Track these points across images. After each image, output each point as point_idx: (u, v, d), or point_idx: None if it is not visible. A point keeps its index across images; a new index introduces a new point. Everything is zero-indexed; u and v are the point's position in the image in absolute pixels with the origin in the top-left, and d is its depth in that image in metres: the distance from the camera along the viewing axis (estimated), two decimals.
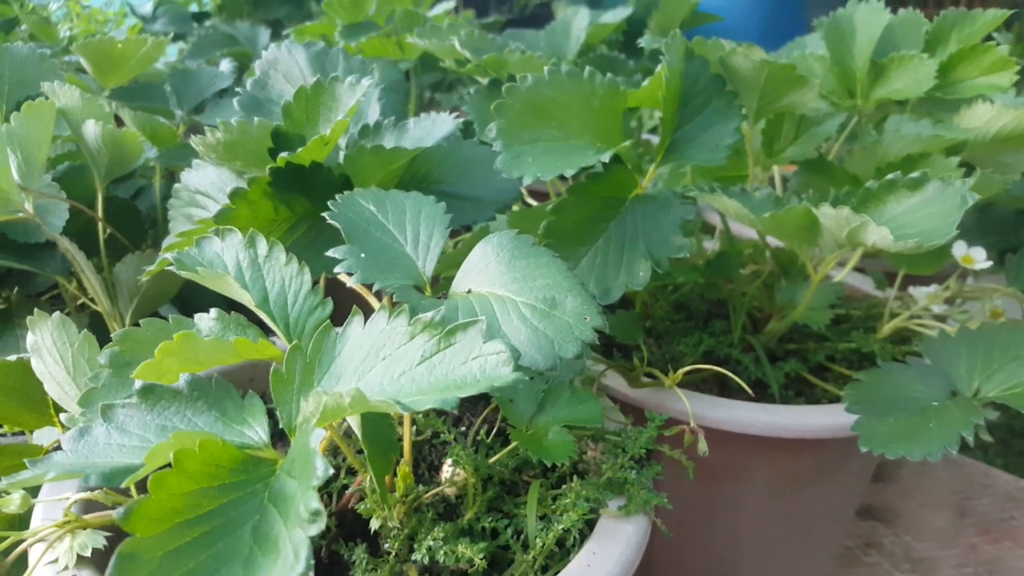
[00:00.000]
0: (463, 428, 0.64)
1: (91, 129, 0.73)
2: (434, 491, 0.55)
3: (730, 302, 0.78)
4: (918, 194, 0.51)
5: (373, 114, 0.62)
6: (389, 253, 0.46)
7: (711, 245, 0.90)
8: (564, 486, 0.53)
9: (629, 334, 0.66)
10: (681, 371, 0.62)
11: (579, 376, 0.60)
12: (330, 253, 0.44)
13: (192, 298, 0.82)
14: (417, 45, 0.83)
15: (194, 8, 2.26)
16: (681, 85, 0.62)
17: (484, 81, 0.74)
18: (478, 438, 0.60)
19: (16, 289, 0.83)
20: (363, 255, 0.44)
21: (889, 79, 0.76)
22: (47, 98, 0.73)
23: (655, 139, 1.26)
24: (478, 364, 0.34)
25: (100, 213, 0.79)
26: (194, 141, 0.57)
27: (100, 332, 0.80)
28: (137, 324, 0.79)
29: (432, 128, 0.59)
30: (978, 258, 0.72)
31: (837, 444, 0.66)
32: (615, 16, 1.23)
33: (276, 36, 2.14)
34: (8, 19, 1.83)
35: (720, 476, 0.71)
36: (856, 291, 0.88)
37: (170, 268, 0.45)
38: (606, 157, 0.55)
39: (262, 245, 0.48)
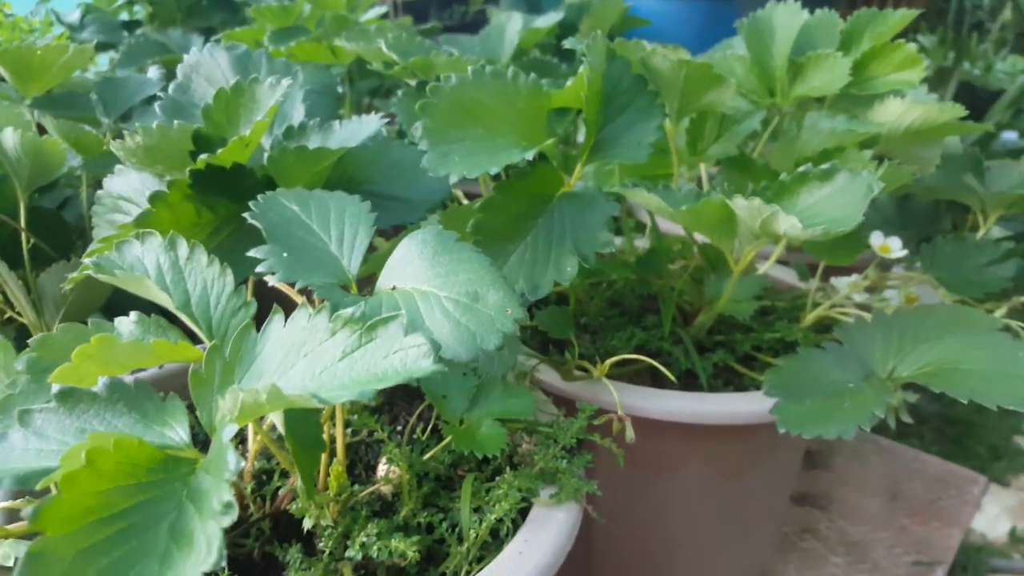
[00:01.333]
0: (399, 427, 0.64)
1: (9, 137, 0.71)
2: (369, 490, 0.55)
3: (660, 297, 0.80)
4: (828, 184, 0.54)
5: (298, 115, 0.62)
6: (313, 252, 0.46)
7: (642, 243, 0.92)
8: (498, 478, 0.54)
9: (561, 329, 0.67)
10: (609, 362, 0.63)
11: (512, 371, 0.61)
12: (251, 253, 0.44)
13: (120, 308, 0.80)
14: (346, 48, 0.83)
15: (124, 17, 2.21)
16: (603, 85, 0.64)
17: (413, 83, 0.74)
18: (414, 436, 0.61)
19: None
20: (285, 254, 0.44)
21: (807, 77, 0.79)
22: None
23: None
24: (399, 357, 0.35)
25: (23, 223, 0.77)
26: (114, 146, 0.56)
27: (26, 345, 0.79)
28: None
29: (358, 129, 0.59)
30: (894, 247, 0.75)
31: (765, 430, 0.68)
32: (547, 21, 1.25)
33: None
34: None
35: (653, 466, 0.72)
36: (781, 283, 0.91)
37: (91, 274, 0.44)
38: (531, 155, 0.56)
39: (183, 247, 0.47)
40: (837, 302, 0.78)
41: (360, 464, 0.61)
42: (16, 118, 0.74)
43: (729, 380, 0.78)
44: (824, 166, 0.54)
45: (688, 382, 0.77)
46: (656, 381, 0.79)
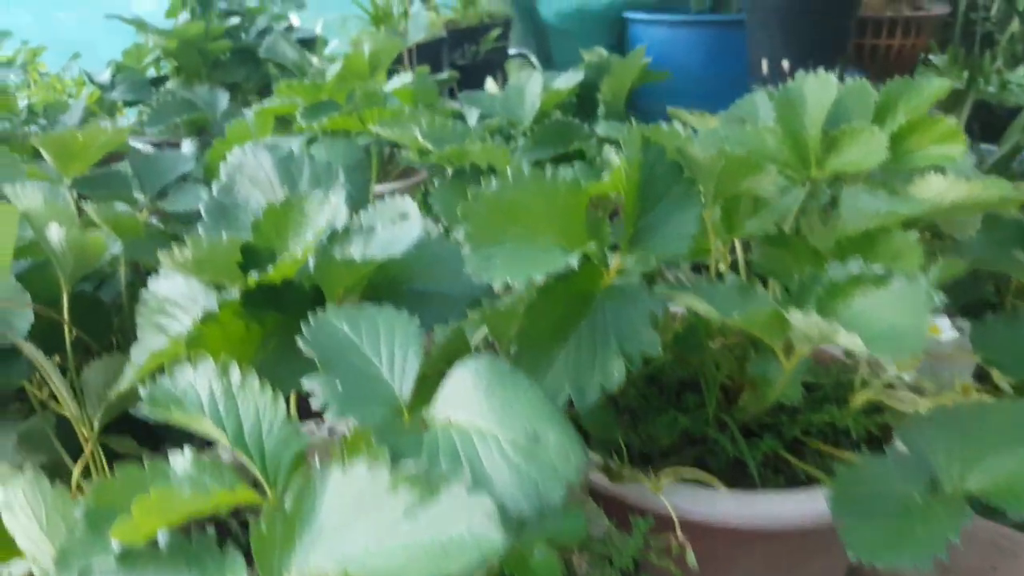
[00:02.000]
0: None
1: (55, 233, 0.72)
2: None
3: (702, 377, 0.79)
4: (884, 290, 0.53)
5: (341, 219, 0.62)
6: (365, 380, 0.46)
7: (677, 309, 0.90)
8: None
9: (607, 430, 0.66)
10: (664, 479, 0.62)
11: None
12: (305, 384, 0.44)
13: None
14: (381, 135, 0.83)
15: (152, 73, 2.25)
16: (640, 176, 0.63)
17: (448, 170, 0.75)
18: None
19: None
20: (339, 385, 0.44)
21: (842, 151, 0.79)
22: (9, 201, 0.72)
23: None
24: (465, 523, 0.34)
25: (66, 315, 0.78)
26: (162, 256, 0.56)
27: (68, 435, 0.79)
28: (106, 428, 0.78)
29: (400, 234, 0.59)
30: (944, 327, 0.74)
31: (822, 528, 0.66)
32: (568, 82, 1.25)
33: (234, 99, 2.14)
34: None
35: (704, 566, 0.71)
36: (825, 355, 0.90)
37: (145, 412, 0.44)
38: (574, 261, 0.55)
39: (236, 374, 0.47)
40: (885, 382, 0.77)
41: None
42: (60, 212, 0.75)
43: (779, 468, 0.76)
44: (879, 271, 0.53)
45: (736, 470, 0.76)
46: (704, 468, 0.77)
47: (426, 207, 1.00)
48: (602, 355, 0.58)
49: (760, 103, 1.09)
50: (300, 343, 0.46)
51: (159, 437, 0.82)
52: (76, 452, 0.75)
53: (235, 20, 2.22)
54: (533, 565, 0.49)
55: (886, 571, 1.06)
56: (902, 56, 2.44)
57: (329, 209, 0.52)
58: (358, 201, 0.92)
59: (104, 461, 0.77)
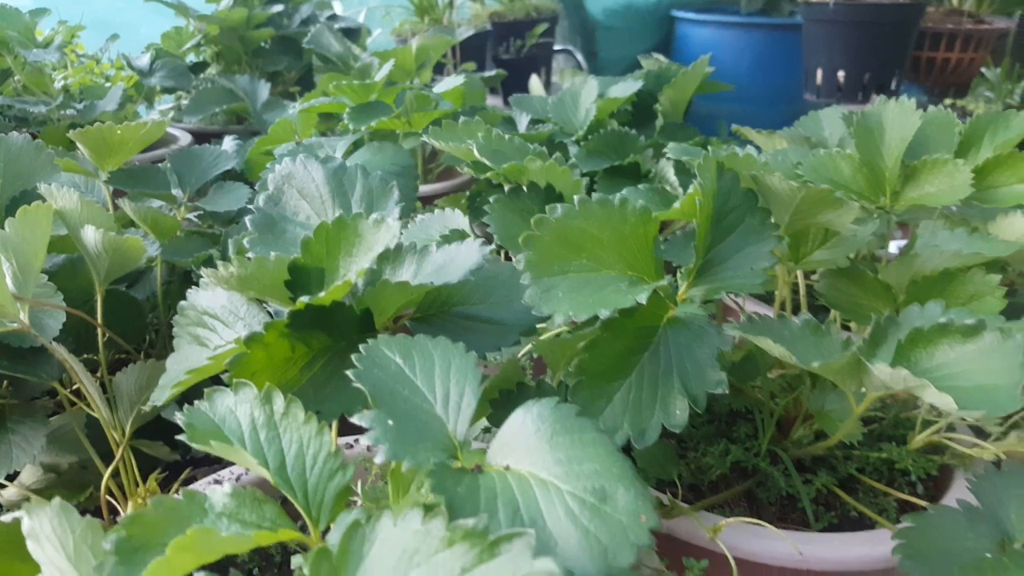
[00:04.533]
0: None
1: (91, 235, 0.70)
2: None
3: (757, 408, 0.75)
4: (972, 343, 0.49)
5: (393, 236, 0.59)
6: (419, 417, 0.43)
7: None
8: None
9: (664, 470, 0.63)
10: (723, 523, 0.58)
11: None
12: (356, 421, 0.41)
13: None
14: (435, 147, 0.80)
15: (191, 59, 2.23)
16: (713, 205, 0.60)
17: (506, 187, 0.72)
18: None
19: (11, 390, 0.79)
20: (391, 422, 0.41)
21: (921, 183, 0.74)
22: (43, 200, 0.70)
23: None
24: None
25: (99, 317, 0.76)
26: (206, 273, 0.54)
27: (98, 437, 0.77)
28: (137, 434, 0.75)
29: (456, 257, 0.56)
30: None
31: (878, 573, 0.63)
32: (625, 90, 1.21)
33: (275, 89, 2.12)
34: (1, 70, 1.80)
35: None
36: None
37: (185, 440, 0.42)
38: (643, 297, 0.52)
39: (279, 402, 0.45)
40: (948, 421, 0.73)
41: None
42: (96, 213, 0.72)
43: (830, 504, 0.72)
44: (970, 321, 0.49)
45: (787, 504, 0.72)
46: (752, 503, 0.74)
47: (472, 212, 0.97)
48: (664, 392, 0.55)
49: (825, 121, 1.04)
50: (351, 375, 0.43)
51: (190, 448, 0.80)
52: (105, 452, 0.73)
53: (278, 7, 2.20)
54: None
55: None
56: (959, 70, 2.36)
57: (387, 232, 0.49)
58: (405, 208, 0.90)
59: (135, 465, 0.75)
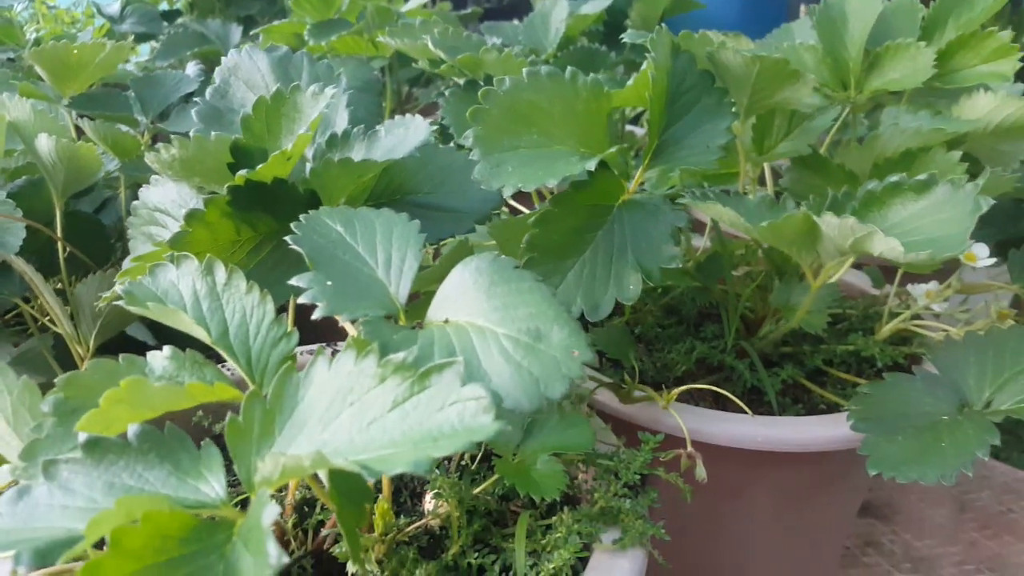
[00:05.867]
0: None
1: (44, 144, 0.69)
2: (416, 524, 0.51)
3: (723, 306, 0.75)
4: (925, 198, 0.48)
5: (341, 122, 0.58)
6: (359, 279, 0.42)
7: (701, 243, 0.86)
8: (554, 517, 0.50)
9: (619, 350, 0.63)
10: (675, 392, 0.58)
11: (569, 398, 0.57)
12: (294, 281, 0.41)
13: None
14: (390, 45, 0.79)
15: (164, 6, 2.19)
16: (668, 83, 0.59)
17: (460, 81, 0.70)
18: (463, 463, 0.57)
19: None
20: (329, 282, 0.41)
21: (884, 69, 0.73)
22: None
23: (638, 130, 1.23)
24: (456, 411, 0.31)
25: (59, 231, 0.75)
26: (149, 158, 0.53)
27: (64, 354, 0.77)
28: (101, 347, 0.75)
29: (405, 136, 0.55)
30: (980, 255, 0.69)
31: (840, 455, 0.63)
32: (595, 6, 1.19)
33: (248, 33, 2.08)
34: None
35: (720, 491, 0.68)
36: (853, 289, 0.86)
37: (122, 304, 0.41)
38: (592, 165, 0.51)
39: (220, 272, 0.44)
40: (915, 312, 0.73)
41: (405, 491, 0.57)
42: (50, 122, 0.71)
43: (797, 397, 0.73)
44: (921, 177, 0.49)
45: (753, 398, 0.73)
46: (718, 397, 0.74)
47: (443, 137, 0.95)
48: (618, 268, 0.54)
49: (797, 31, 1.03)
50: (288, 239, 0.43)
51: None
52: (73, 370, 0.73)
53: None
54: (535, 475, 0.46)
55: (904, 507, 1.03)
56: None
57: (324, 101, 0.48)
58: (369, 123, 0.88)
59: None
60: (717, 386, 0.74)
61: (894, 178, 0.50)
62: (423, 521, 0.51)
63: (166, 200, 0.58)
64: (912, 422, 0.50)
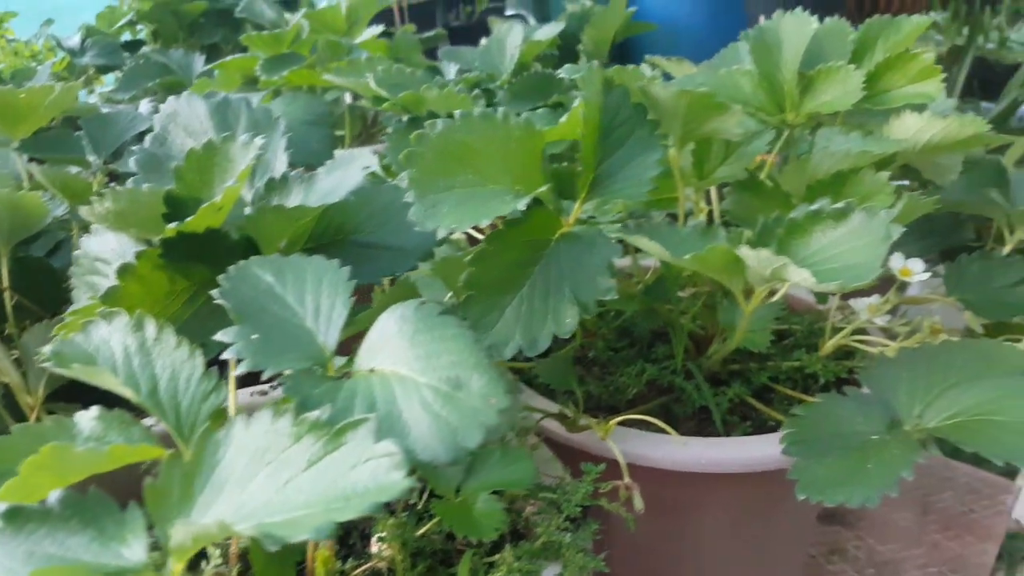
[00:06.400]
0: None
1: None
2: (363, 568, 0.52)
3: (671, 327, 0.76)
4: (843, 225, 0.50)
5: (280, 166, 0.59)
6: (287, 330, 0.43)
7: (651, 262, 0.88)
8: (498, 555, 0.50)
9: (562, 379, 0.64)
10: (613, 422, 0.59)
11: (513, 430, 0.58)
12: (218, 336, 0.41)
13: None
14: (334, 82, 0.80)
15: (127, 37, 2.19)
16: (600, 118, 0.60)
17: (404, 118, 0.71)
18: (411, 503, 0.57)
19: None
20: (255, 336, 0.41)
21: (817, 92, 0.75)
22: None
23: None
24: (369, 469, 0.32)
25: (4, 280, 0.75)
26: (82, 212, 0.53)
27: (15, 405, 0.76)
28: (52, 395, 0.75)
29: (343, 178, 0.56)
30: (916, 270, 0.71)
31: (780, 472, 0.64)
32: (547, 32, 1.21)
33: (212, 62, 2.08)
34: None
35: (669, 513, 0.69)
36: (800, 303, 0.87)
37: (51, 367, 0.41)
38: (523, 203, 0.52)
39: (150, 328, 0.44)
40: (858, 327, 0.74)
41: (355, 532, 0.58)
42: None
43: (746, 415, 0.74)
44: (839, 205, 0.50)
45: (704, 418, 0.74)
46: (671, 417, 0.75)
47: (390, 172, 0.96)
48: (555, 302, 0.55)
49: (743, 51, 1.05)
50: (214, 293, 0.43)
51: (112, 403, 0.79)
52: (23, 420, 0.73)
53: None
54: (475, 514, 0.47)
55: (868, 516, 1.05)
56: (902, 11, 2.37)
57: (254, 151, 0.49)
58: (320, 156, 0.89)
59: None
60: (667, 407, 0.75)
61: (815, 206, 0.51)
62: (369, 564, 0.52)
63: (106, 250, 0.58)
64: (844, 443, 0.51)
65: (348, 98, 1.07)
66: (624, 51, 1.54)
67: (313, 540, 0.27)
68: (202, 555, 0.55)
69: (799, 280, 0.45)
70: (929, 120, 0.68)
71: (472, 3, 2.92)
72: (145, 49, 2.18)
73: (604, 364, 0.80)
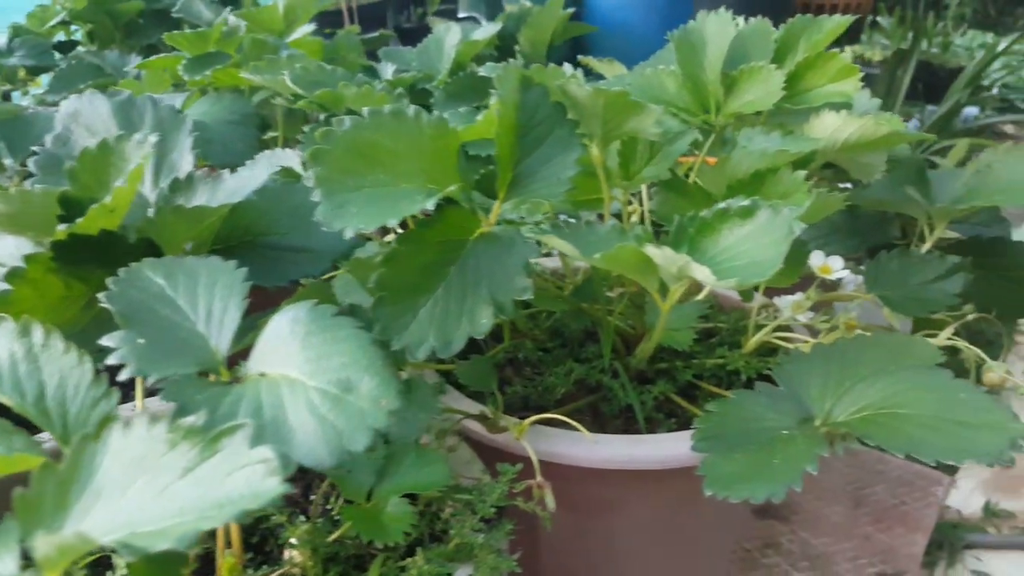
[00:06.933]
0: (312, 495, 0.60)
1: None
2: (274, 575, 0.51)
3: (599, 326, 0.76)
4: (749, 223, 0.50)
5: (186, 166, 0.58)
6: (176, 334, 0.42)
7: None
8: (409, 559, 0.49)
9: (482, 381, 0.63)
10: (527, 422, 0.59)
11: (429, 432, 0.57)
12: (102, 341, 0.40)
13: None
14: (251, 80, 0.78)
15: (61, 37, 2.13)
16: (518, 117, 0.60)
17: (322, 117, 0.70)
18: (328, 507, 0.56)
19: None
20: (141, 340, 0.40)
21: (740, 92, 0.76)
22: None
23: None
24: (244, 476, 0.31)
25: None
26: None
27: None
28: None
29: (250, 178, 0.55)
30: (835, 267, 0.72)
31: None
32: (485, 32, 1.20)
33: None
34: None
35: (593, 509, 0.69)
36: (728, 301, 0.88)
37: None
38: (432, 202, 0.51)
39: (37, 334, 0.43)
40: (781, 324, 0.75)
41: (272, 539, 0.56)
42: None
43: (672, 412, 0.74)
44: (745, 203, 0.51)
45: (631, 416, 0.74)
46: (598, 416, 0.75)
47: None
48: (472, 303, 0.55)
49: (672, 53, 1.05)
50: (101, 296, 0.42)
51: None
52: None
53: None
54: (385, 519, 0.46)
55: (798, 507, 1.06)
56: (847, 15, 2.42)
57: (147, 149, 0.47)
58: (244, 156, 0.87)
59: None
60: (595, 406, 0.75)
61: (722, 205, 0.52)
62: (280, 572, 0.51)
63: (3, 253, 0.56)
64: (753, 438, 0.52)
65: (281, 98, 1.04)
66: (576, 55, 1.54)
67: (177, 549, 0.26)
68: (108, 565, 0.53)
69: (701, 277, 0.45)
70: (846, 119, 0.69)
71: (424, 5, 2.90)
72: (79, 50, 2.12)
73: (535, 364, 0.80)
